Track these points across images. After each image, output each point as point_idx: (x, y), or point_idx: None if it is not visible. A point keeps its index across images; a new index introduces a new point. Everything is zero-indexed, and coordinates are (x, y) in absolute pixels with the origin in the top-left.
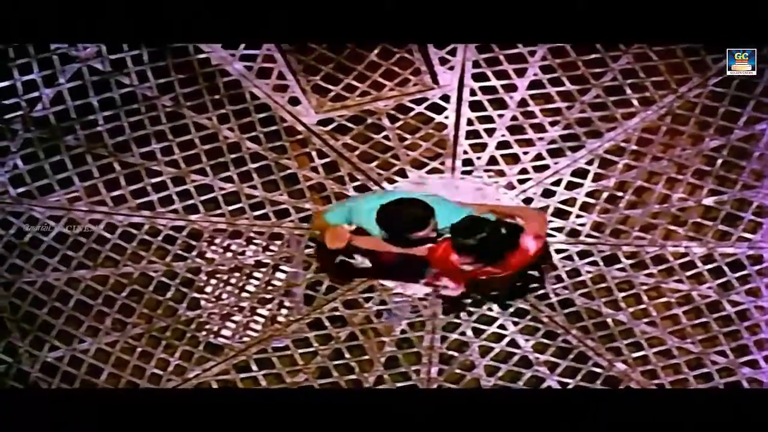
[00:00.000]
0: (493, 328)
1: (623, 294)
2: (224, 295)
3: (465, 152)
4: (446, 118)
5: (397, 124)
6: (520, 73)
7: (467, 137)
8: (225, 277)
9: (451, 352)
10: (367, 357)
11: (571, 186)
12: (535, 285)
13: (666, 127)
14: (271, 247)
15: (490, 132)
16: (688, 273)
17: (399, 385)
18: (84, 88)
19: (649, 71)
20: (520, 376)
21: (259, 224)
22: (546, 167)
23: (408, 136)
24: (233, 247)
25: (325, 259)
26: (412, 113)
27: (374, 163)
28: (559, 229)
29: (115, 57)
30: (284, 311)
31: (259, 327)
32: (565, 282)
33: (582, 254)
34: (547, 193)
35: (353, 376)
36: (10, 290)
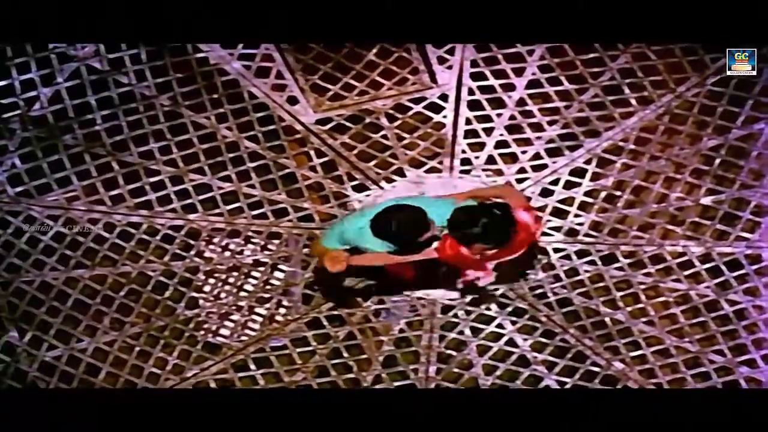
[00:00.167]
0: (492, 327)
1: (621, 293)
2: (222, 295)
3: (463, 151)
4: (444, 117)
5: (396, 124)
6: (519, 72)
7: (465, 136)
8: (223, 276)
9: (449, 351)
10: (365, 356)
11: (569, 185)
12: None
13: (664, 126)
14: (270, 247)
15: (489, 131)
16: (686, 272)
17: (397, 384)
18: (82, 88)
19: (648, 71)
20: (518, 375)
21: (258, 223)
22: (544, 166)
23: (406, 135)
24: (231, 247)
25: (330, 285)
26: (410, 112)
27: (372, 162)
28: (558, 229)
29: (113, 56)
30: (282, 310)
31: (257, 326)
32: (563, 281)
33: (580, 253)
34: (546, 193)
35: (351, 375)
36: (9, 289)
